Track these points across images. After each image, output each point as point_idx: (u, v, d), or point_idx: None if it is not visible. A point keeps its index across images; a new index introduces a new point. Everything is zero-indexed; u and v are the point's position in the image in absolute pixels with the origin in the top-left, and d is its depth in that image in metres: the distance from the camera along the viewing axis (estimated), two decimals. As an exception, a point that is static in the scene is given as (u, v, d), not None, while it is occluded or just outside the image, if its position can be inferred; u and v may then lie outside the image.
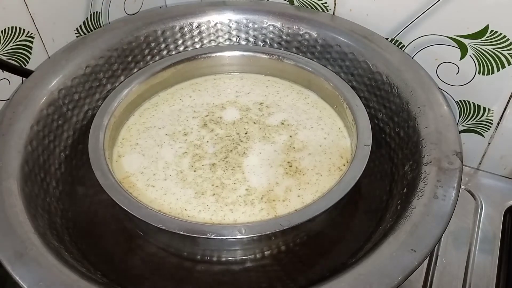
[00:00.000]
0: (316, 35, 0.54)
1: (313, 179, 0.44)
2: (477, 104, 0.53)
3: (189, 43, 0.57)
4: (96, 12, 0.56)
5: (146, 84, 0.51)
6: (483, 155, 0.57)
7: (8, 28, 0.47)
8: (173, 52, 0.56)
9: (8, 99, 0.48)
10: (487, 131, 0.55)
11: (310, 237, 0.44)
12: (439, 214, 0.37)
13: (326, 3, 0.56)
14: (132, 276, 0.42)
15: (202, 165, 0.45)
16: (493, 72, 0.49)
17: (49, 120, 0.46)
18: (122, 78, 0.53)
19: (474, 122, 0.55)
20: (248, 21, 0.57)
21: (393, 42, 0.54)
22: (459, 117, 0.55)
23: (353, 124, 0.46)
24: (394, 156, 0.48)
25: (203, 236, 0.37)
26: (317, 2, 0.56)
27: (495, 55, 0.48)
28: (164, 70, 0.53)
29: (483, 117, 0.54)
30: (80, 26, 0.54)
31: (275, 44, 0.57)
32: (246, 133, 0.48)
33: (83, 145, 0.46)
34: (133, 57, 0.53)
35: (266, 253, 0.42)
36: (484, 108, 0.53)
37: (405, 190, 0.42)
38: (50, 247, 0.37)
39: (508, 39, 0.46)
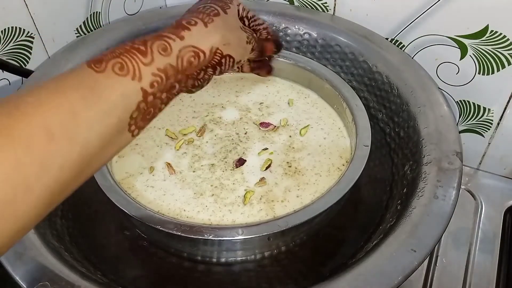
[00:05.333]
0: (316, 35, 0.54)
1: (312, 180, 0.44)
2: (477, 104, 0.53)
3: (189, 43, 0.57)
4: (96, 12, 0.56)
5: (146, 84, 0.51)
6: (483, 155, 0.57)
7: (8, 28, 0.47)
8: (173, 52, 0.56)
9: (8, 99, 0.48)
10: (487, 131, 0.55)
11: (310, 237, 0.44)
12: (439, 214, 0.37)
13: (326, 3, 0.56)
14: (132, 276, 0.42)
15: (201, 166, 0.45)
16: (493, 72, 0.49)
17: (49, 120, 0.46)
18: (122, 78, 0.53)
19: (474, 122, 0.55)
20: (248, 21, 0.57)
21: (393, 42, 0.54)
22: (459, 117, 0.55)
23: (352, 124, 0.46)
24: (394, 156, 0.48)
25: (201, 237, 0.37)
26: (317, 2, 0.56)
27: (495, 55, 0.48)
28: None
29: (483, 117, 0.54)
30: (80, 26, 0.55)
31: (275, 44, 0.57)
32: (245, 133, 0.48)
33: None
34: (133, 57, 0.53)
35: (266, 253, 0.42)
36: (484, 108, 0.53)
37: (405, 190, 0.42)
38: (50, 247, 0.37)
39: (508, 39, 0.46)
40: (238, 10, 0.40)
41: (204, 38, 0.33)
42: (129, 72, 0.29)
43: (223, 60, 0.35)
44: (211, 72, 0.35)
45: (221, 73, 0.36)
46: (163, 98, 0.31)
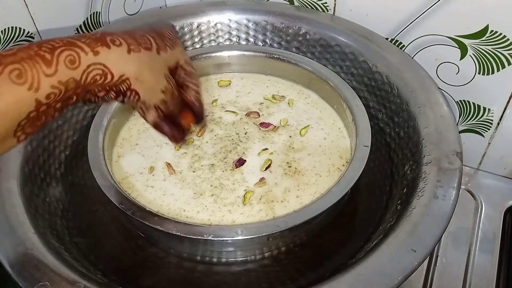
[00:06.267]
0: (316, 35, 0.54)
1: (312, 180, 0.44)
2: (477, 104, 0.53)
3: (189, 43, 0.57)
4: (96, 12, 0.56)
5: (146, 84, 0.51)
6: (483, 155, 0.57)
7: (8, 28, 0.47)
8: (173, 52, 0.56)
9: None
10: (487, 131, 0.55)
11: (310, 238, 0.44)
12: (439, 214, 0.37)
13: (326, 3, 0.56)
14: (132, 276, 0.42)
15: (201, 166, 0.45)
16: (493, 72, 0.49)
17: (49, 120, 0.46)
18: (122, 78, 0.53)
19: (474, 122, 0.55)
20: (248, 21, 0.57)
21: (393, 42, 0.53)
22: (459, 117, 0.55)
23: (352, 125, 0.46)
24: (394, 156, 0.48)
25: (200, 237, 0.37)
26: (317, 2, 0.56)
27: (495, 55, 0.48)
28: (164, 70, 0.53)
29: (483, 117, 0.54)
30: (80, 26, 0.55)
31: (275, 44, 0.57)
32: (245, 134, 0.48)
33: (83, 145, 0.46)
34: (133, 57, 0.53)
35: (266, 253, 0.42)
36: (484, 108, 0.53)
37: (405, 190, 0.42)
38: (50, 247, 0.37)
39: (508, 39, 0.46)
40: (178, 62, 0.37)
41: (120, 63, 0.31)
42: (27, 82, 0.27)
43: (128, 92, 0.33)
44: (113, 96, 0.33)
45: (122, 102, 0.34)
46: (57, 107, 0.30)
